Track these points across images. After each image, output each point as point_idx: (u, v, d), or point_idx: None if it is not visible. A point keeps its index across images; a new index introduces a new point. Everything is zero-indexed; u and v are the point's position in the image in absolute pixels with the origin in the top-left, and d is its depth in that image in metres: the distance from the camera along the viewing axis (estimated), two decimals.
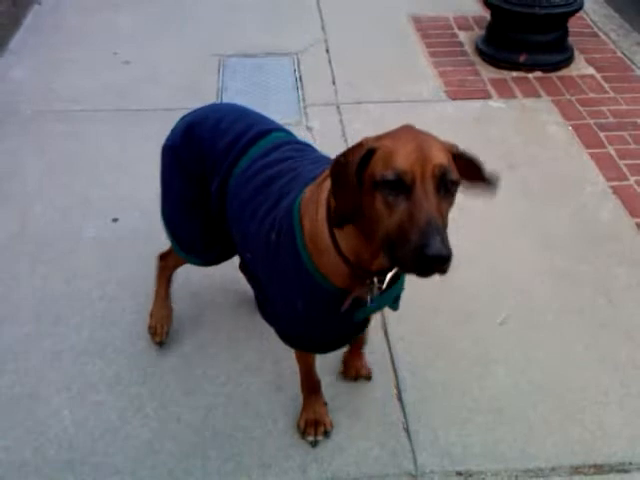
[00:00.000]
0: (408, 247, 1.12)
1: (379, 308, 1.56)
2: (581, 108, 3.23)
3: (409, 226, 1.12)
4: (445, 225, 1.15)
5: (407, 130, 1.27)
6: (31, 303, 2.20)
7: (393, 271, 1.38)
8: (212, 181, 1.68)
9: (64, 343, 2.06)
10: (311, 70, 3.49)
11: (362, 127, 3.07)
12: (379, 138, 1.26)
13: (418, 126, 3.09)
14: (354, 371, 1.95)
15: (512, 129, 3.10)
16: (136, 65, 3.55)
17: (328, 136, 2.99)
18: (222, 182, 1.65)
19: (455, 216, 2.44)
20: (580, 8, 3.48)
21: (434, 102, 3.29)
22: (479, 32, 3.86)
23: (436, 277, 1.16)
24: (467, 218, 2.55)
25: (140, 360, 2.01)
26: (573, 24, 3.63)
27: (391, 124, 3.05)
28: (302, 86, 3.38)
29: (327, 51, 3.69)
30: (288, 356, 1.97)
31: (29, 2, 3.99)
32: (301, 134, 2.79)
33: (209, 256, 1.87)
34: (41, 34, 3.82)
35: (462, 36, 3.89)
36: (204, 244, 1.83)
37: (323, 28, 3.93)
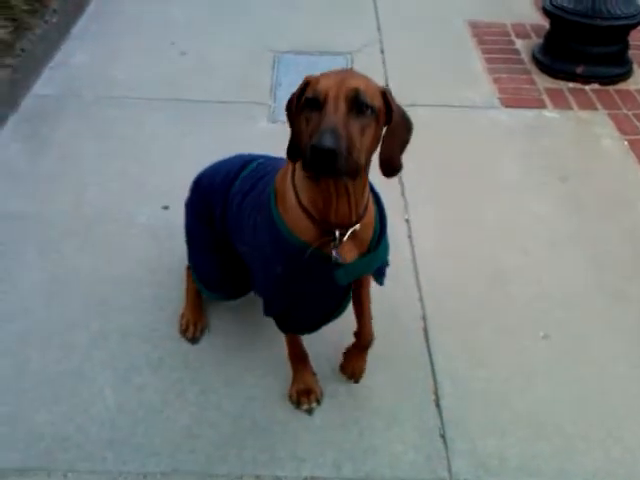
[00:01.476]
0: (307, 146, 1.26)
1: (359, 272, 1.63)
2: (638, 123, 3.17)
3: (314, 132, 1.26)
4: (351, 138, 1.27)
5: (344, 68, 1.43)
6: (79, 282, 2.25)
7: (356, 226, 1.50)
8: (215, 210, 1.89)
9: (111, 324, 2.11)
10: (365, 70, 3.34)
11: (415, 130, 3.06)
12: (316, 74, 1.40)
13: (470, 132, 3.08)
14: (350, 370, 1.96)
15: (566, 141, 3.06)
16: (192, 56, 3.61)
17: None
18: (223, 207, 1.85)
19: (504, 228, 2.49)
20: None
21: (487, 108, 3.27)
22: (537, 40, 3.81)
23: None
24: (516, 230, 2.54)
25: (184, 347, 2.04)
26: (634, 37, 3.56)
27: (442, 128, 3.10)
28: None
29: (382, 52, 3.69)
30: (329, 354, 2.01)
31: None
32: None
33: (228, 291, 2.05)
34: (102, 21, 3.90)
35: (519, 44, 3.85)
36: (222, 280, 2.02)
37: (379, 29, 3.93)
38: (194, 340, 2.07)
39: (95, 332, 2.08)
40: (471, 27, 4.00)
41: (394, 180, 2.74)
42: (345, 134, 1.25)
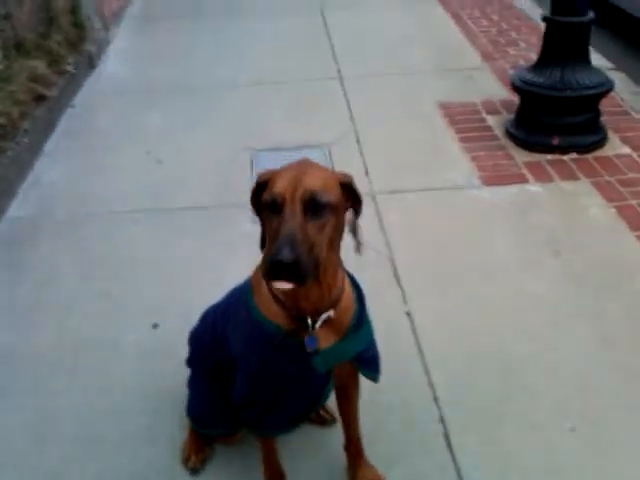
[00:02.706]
0: (265, 258, 1.29)
1: (339, 357, 1.56)
2: (622, 189, 3.16)
3: (275, 240, 1.26)
4: (309, 241, 1.27)
5: (298, 161, 1.41)
6: (72, 420, 2.11)
7: (328, 312, 1.47)
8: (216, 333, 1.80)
9: (107, 464, 1.95)
10: (344, 161, 3.47)
11: (400, 217, 3.03)
12: (271, 171, 1.40)
13: (457, 213, 3.03)
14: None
15: (552, 214, 3.03)
16: (168, 164, 3.57)
17: (365, 229, 2.91)
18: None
19: (506, 311, 2.42)
20: (611, 89, 3.47)
21: (469, 188, 3.25)
22: (508, 116, 3.86)
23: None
24: (517, 312, 2.46)
25: None
26: (604, 104, 3.62)
27: (429, 212, 3.06)
28: None
29: (357, 142, 3.69)
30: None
31: (63, 106, 4.08)
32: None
33: (219, 427, 1.90)
34: (74, 137, 3.89)
35: (491, 120, 3.89)
36: (212, 416, 1.87)
37: (352, 118, 3.96)
38: (194, 471, 1.92)
39: (91, 476, 1.92)
40: (441, 108, 4.05)
41: (387, 271, 2.67)
42: (303, 238, 1.26)
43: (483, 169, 3.39)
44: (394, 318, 2.44)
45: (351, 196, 1.41)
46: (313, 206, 1.28)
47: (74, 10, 4.68)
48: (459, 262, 2.75)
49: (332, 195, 1.32)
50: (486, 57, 4.82)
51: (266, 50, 5.09)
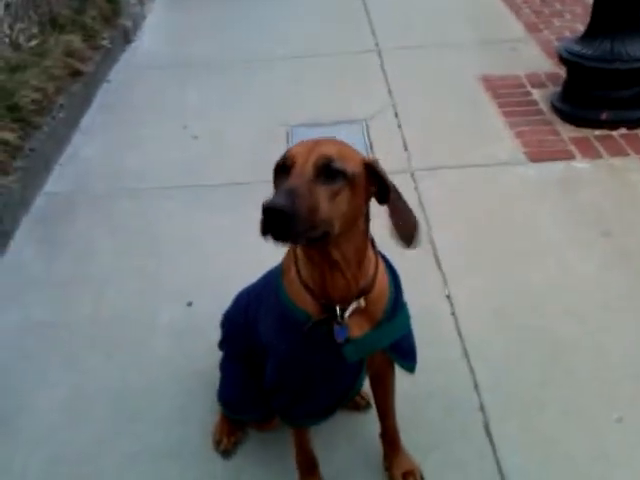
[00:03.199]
0: None
1: (372, 347, 1.48)
2: None
3: None
4: (313, 199, 1.17)
5: (328, 137, 1.34)
6: (108, 397, 2.10)
7: (360, 300, 1.40)
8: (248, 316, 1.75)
9: (140, 443, 1.93)
10: (382, 137, 3.39)
11: (439, 194, 2.94)
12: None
13: (501, 191, 2.91)
14: (400, 472, 1.77)
15: (602, 192, 2.90)
16: (205, 139, 3.53)
17: None
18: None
19: (553, 293, 2.31)
20: None
21: (513, 165, 3.13)
22: (554, 89, 3.70)
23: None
24: (566, 294, 2.36)
25: (216, 465, 1.86)
26: None
27: (470, 190, 2.95)
28: (374, 154, 3.28)
29: (396, 116, 3.59)
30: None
31: (99, 81, 4.05)
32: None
33: (252, 413, 1.85)
34: (111, 112, 3.86)
35: (536, 94, 3.74)
36: (244, 402, 1.82)
37: (390, 93, 3.85)
38: (226, 454, 1.88)
39: (125, 454, 1.90)
40: (484, 82, 3.90)
41: (427, 251, 2.59)
42: (306, 196, 1.16)
43: (528, 145, 3.26)
44: (433, 301, 2.36)
45: (376, 182, 1.31)
46: (326, 171, 1.21)
47: None
48: (502, 242, 2.65)
49: (349, 166, 1.24)
50: (530, 28, 4.63)
51: (302, 23, 4.98)
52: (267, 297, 1.58)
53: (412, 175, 3.08)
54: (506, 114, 3.55)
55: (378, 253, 1.47)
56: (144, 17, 5.16)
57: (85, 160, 3.38)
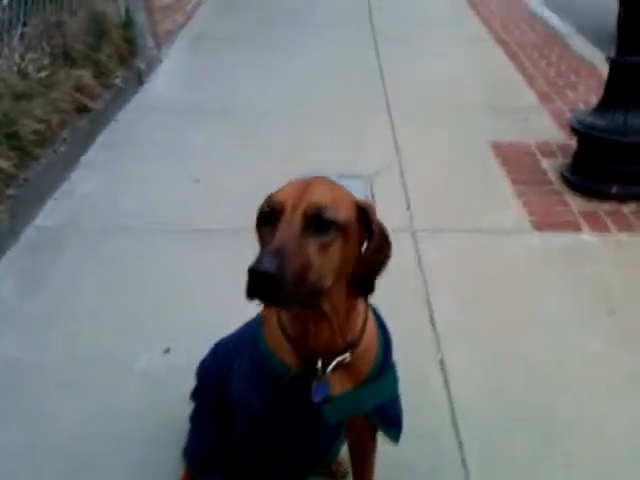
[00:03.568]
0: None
1: (354, 407, 1.35)
2: None
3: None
4: (304, 258, 1.08)
5: (311, 176, 1.23)
6: (69, 442, 1.95)
7: (345, 355, 1.29)
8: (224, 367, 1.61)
9: None
10: (385, 194, 3.31)
11: (440, 256, 2.83)
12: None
13: (503, 258, 2.79)
14: None
15: (608, 267, 2.78)
16: (206, 184, 3.46)
17: (402, 266, 2.74)
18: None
19: (552, 369, 2.18)
20: None
21: (518, 233, 3.03)
22: (564, 160, 3.64)
23: None
24: (566, 371, 2.22)
25: None
26: None
27: (471, 255, 2.85)
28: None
29: (401, 175, 3.52)
30: None
31: (107, 119, 4.03)
32: None
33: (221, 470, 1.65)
34: (114, 150, 3.82)
35: (545, 164, 3.68)
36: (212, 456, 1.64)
37: (397, 151, 3.80)
38: None
39: None
40: (494, 148, 3.85)
41: (423, 313, 2.47)
42: (296, 255, 1.07)
43: (534, 213, 3.17)
44: (425, 364, 2.23)
45: (368, 228, 1.21)
46: (317, 222, 1.11)
47: (127, 26, 4.68)
48: (503, 310, 2.53)
49: (342, 214, 1.14)
50: (543, 98, 4.62)
51: (316, 78, 5.00)
52: (244, 347, 1.47)
53: (413, 235, 2.98)
54: (514, 182, 3.48)
55: (368, 305, 1.36)
56: (160, 61, 5.19)
57: (81, 196, 3.31)
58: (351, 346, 1.29)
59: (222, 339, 1.75)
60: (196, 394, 1.79)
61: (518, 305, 2.56)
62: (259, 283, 1.03)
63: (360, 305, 1.30)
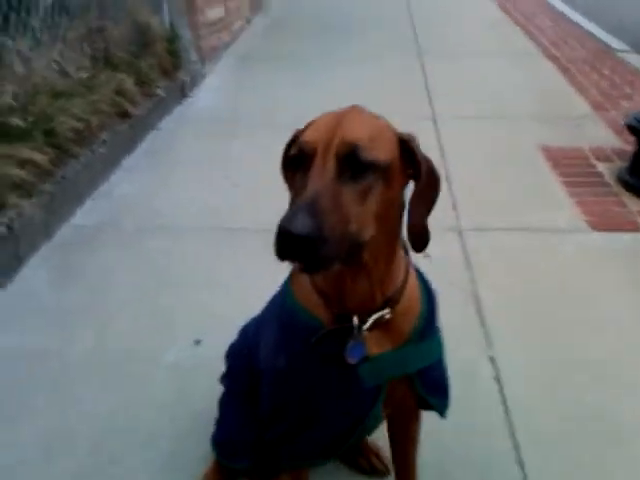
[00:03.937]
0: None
1: (394, 370, 1.18)
2: None
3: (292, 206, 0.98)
4: (342, 210, 0.94)
5: (346, 108, 1.08)
6: (91, 433, 1.84)
7: (382, 312, 1.13)
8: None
9: None
10: None
11: (489, 256, 2.66)
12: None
13: (557, 258, 2.59)
14: None
15: None
16: (244, 188, 3.36)
17: (449, 265, 2.58)
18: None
19: (615, 373, 1.98)
20: None
21: (573, 232, 2.84)
22: (621, 164, 3.44)
23: None
24: (631, 374, 2.02)
25: None
26: None
27: (522, 254, 2.66)
28: None
29: (446, 178, 3.37)
30: None
31: (148, 127, 4.01)
32: (418, 261, 2.41)
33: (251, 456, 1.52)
34: (155, 156, 3.77)
35: (601, 167, 3.48)
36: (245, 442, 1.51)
37: (442, 156, 3.65)
38: None
39: None
40: (544, 152, 3.68)
41: (471, 310, 2.30)
42: (332, 205, 0.94)
43: (590, 213, 2.98)
44: (475, 361, 2.06)
45: (413, 162, 1.07)
46: (353, 164, 0.97)
47: (171, 39, 4.69)
48: (557, 309, 2.34)
49: (382, 152, 1.01)
50: (596, 107, 4.43)
51: (360, 89, 4.91)
52: (271, 312, 1.34)
53: (460, 233, 2.82)
54: (567, 184, 3.29)
55: (409, 259, 1.21)
56: (204, 76, 5.19)
57: (119, 197, 3.25)
58: (391, 301, 1.15)
59: (250, 320, 1.63)
60: (225, 377, 1.66)
61: (574, 303, 2.37)
62: (293, 245, 0.90)
63: (401, 254, 1.16)
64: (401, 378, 1.20)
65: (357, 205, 0.97)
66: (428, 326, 1.21)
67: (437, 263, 2.53)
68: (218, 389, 1.69)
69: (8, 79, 2.74)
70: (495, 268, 2.59)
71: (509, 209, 3.04)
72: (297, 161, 1.03)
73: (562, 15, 7.42)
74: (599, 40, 6.25)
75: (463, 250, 2.70)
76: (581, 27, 6.81)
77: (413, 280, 1.21)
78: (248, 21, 7.06)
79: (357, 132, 1.00)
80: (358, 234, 0.98)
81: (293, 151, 1.05)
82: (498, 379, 1.98)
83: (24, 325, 2.29)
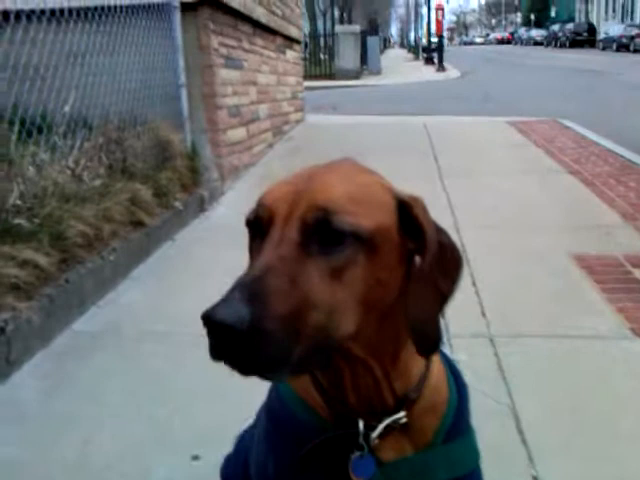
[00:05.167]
0: None
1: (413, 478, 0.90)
2: None
3: None
4: (297, 290, 0.72)
5: (323, 164, 0.88)
6: None
7: (400, 414, 0.89)
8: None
9: None
10: (457, 304, 2.91)
11: (525, 362, 2.40)
12: None
13: (601, 365, 2.31)
14: None
15: None
16: None
17: (480, 370, 2.32)
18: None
19: None
20: None
21: (616, 339, 2.57)
22: None
23: None
24: None
25: None
26: None
27: (561, 361, 2.40)
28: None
29: (473, 284, 3.16)
30: None
31: (162, 237, 3.92)
32: None
33: None
34: (167, 264, 3.65)
35: (638, 274, 3.25)
36: None
37: (468, 265, 3.47)
38: None
39: None
40: (577, 260, 3.47)
41: (509, 424, 2.01)
42: (284, 288, 0.72)
43: (635, 320, 2.71)
44: None
45: (417, 232, 0.85)
46: (324, 233, 0.76)
47: (191, 157, 4.73)
48: (604, 422, 2.04)
49: (366, 218, 0.78)
50: (626, 217, 4.25)
51: None
52: (264, 406, 1.11)
53: (491, 341, 2.57)
54: (605, 290, 3.06)
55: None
56: (223, 193, 5.19)
57: (125, 305, 3.09)
58: (407, 401, 0.92)
59: (247, 428, 1.39)
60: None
61: (621, 416, 2.07)
62: (221, 340, 0.71)
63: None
64: None
65: (326, 288, 0.75)
66: (457, 424, 0.96)
67: (467, 371, 2.27)
68: None
69: (17, 180, 2.68)
70: (530, 376, 2.32)
71: (543, 315, 2.79)
72: (256, 229, 0.83)
73: (583, 137, 7.47)
74: (622, 157, 6.21)
75: (496, 356, 2.44)
76: (603, 146, 6.81)
77: (438, 372, 0.98)
78: (270, 146, 7.21)
79: (332, 191, 0.79)
80: (330, 326, 0.75)
81: (250, 216, 0.85)
82: None
83: (2, 434, 2.05)
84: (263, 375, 0.73)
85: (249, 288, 0.71)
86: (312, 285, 0.73)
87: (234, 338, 0.68)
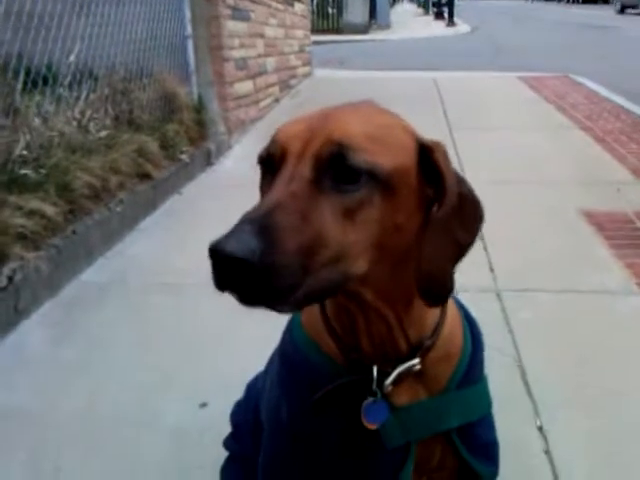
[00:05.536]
0: None
1: (426, 425, 0.92)
2: None
3: None
4: (310, 230, 0.69)
5: (344, 104, 0.84)
6: None
7: (414, 361, 0.88)
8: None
9: None
10: (465, 263, 2.92)
11: (532, 316, 2.40)
12: None
13: (609, 320, 2.29)
14: None
15: None
16: None
17: (486, 325, 2.30)
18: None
19: None
20: None
21: (624, 295, 2.57)
22: None
23: None
24: None
25: None
26: None
27: (569, 315, 2.39)
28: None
29: (482, 238, 3.14)
30: None
31: (170, 190, 3.90)
32: None
33: None
34: (173, 217, 3.64)
35: None
36: None
37: None
38: None
39: None
40: (586, 216, 3.45)
41: (515, 376, 2.02)
42: (295, 224, 0.69)
43: None
44: (522, 434, 1.76)
45: (436, 178, 0.81)
46: (340, 169, 0.73)
47: (198, 110, 4.67)
48: (611, 377, 2.05)
49: (385, 157, 0.75)
50: (637, 174, 4.21)
51: None
52: (277, 350, 1.11)
53: (498, 295, 2.57)
54: (614, 246, 3.04)
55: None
56: (230, 146, 5.14)
57: (132, 256, 3.09)
58: (421, 348, 0.90)
59: (258, 373, 1.40)
60: (229, 441, 1.41)
61: (630, 371, 2.08)
62: (228, 271, 0.69)
63: None
64: (437, 437, 0.94)
65: (340, 225, 0.72)
66: (471, 371, 0.96)
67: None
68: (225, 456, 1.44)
69: (23, 130, 2.66)
70: (538, 330, 2.32)
71: (552, 271, 2.79)
72: (267, 166, 0.81)
73: (595, 93, 7.34)
74: (634, 114, 6.11)
75: (503, 311, 2.44)
76: (615, 103, 6.69)
77: (453, 320, 0.97)
78: (277, 100, 7.12)
79: (349, 128, 0.75)
80: (340, 265, 0.73)
81: (262, 153, 0.82)
82: (548, 452, 1.68)
83: (11, 381, 2.08)
84: (270, 306, 0.72)
85: (259, 222, 0.69)
86: (324, 222, 0.71)
87: (244, 270, 0.66)
